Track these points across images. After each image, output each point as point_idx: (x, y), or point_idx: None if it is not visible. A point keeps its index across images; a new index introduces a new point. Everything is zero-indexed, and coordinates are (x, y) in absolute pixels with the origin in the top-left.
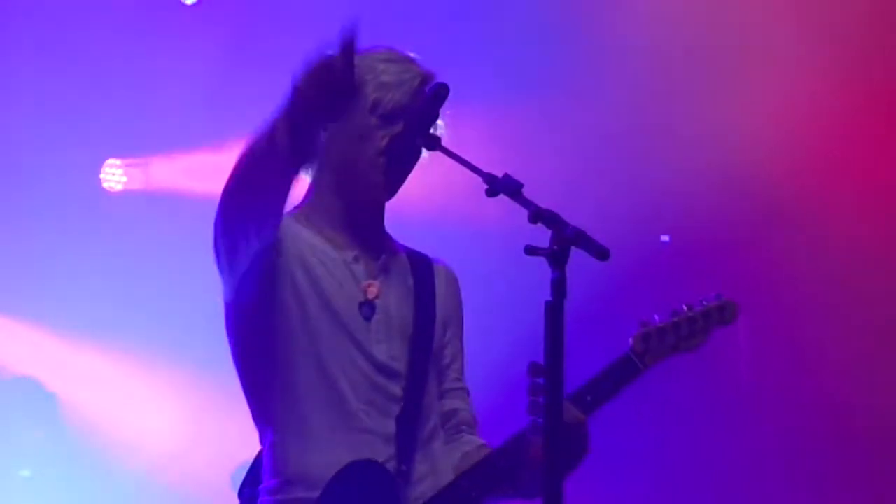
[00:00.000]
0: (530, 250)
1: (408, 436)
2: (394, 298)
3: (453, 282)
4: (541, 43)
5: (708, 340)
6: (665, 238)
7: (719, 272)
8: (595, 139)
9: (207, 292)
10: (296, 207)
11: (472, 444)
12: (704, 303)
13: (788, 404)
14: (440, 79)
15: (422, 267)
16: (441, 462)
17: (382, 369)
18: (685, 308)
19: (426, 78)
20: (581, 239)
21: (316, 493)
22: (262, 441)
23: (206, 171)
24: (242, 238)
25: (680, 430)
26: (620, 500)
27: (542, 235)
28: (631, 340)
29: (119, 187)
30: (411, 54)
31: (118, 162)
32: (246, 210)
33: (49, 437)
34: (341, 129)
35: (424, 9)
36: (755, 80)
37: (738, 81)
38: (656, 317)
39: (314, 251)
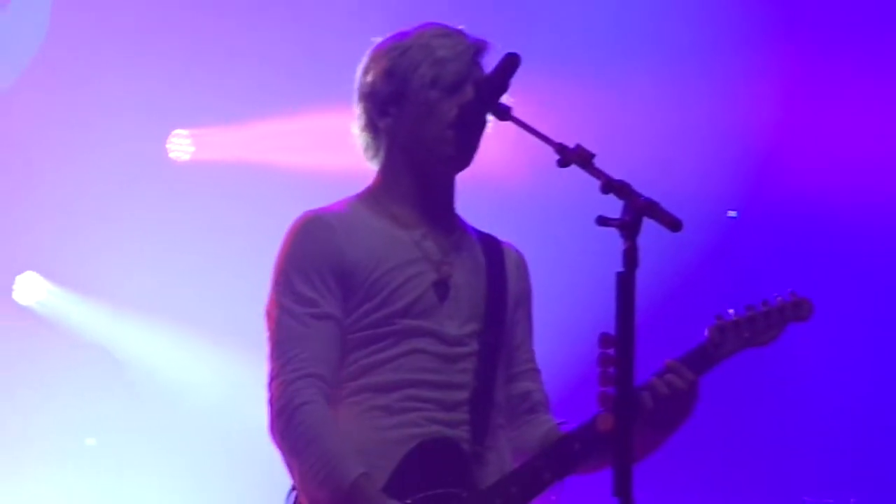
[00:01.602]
0: (602, 221)
1: (480, 419)
2: (466, 277)
3: (523, 263)
4: (613, 15)
5: (781, 336)
6: (732, 214)
7: (786, 249)
8: (664, 112)
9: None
10: (368, 188)
11: (549, 424)
12: (779, 299)
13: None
14: (491, 49)
15: (491, 247)
16: (505, 445)
17: (455, 345)
18: (760, 304)
19: (480, 47)
20: (653, 209)
21: (386, 473)
22: None
23: (274, 140)
24: None
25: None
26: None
27: (613, 206)
28: (707, 332)
29: (186, 157)
30: (460, 27)
31: (185, 132)
32: None
33: (115, 407)
34: (404, 112)
35: None
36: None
37: (812, 56)
38: (731, 311)
39: (380, 240)
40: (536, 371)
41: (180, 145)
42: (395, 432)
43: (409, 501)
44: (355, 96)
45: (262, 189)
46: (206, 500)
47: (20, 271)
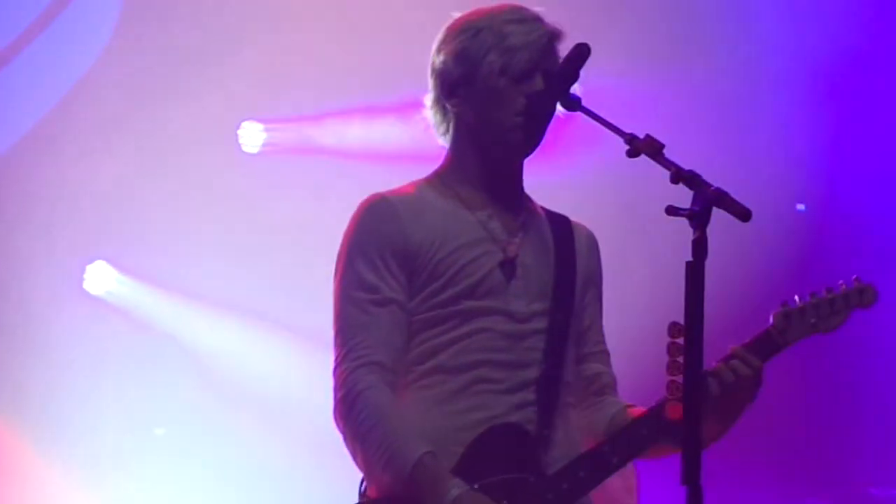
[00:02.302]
0: (672, 210)
1: (547, 399)
2: (533, 256)
3: (593, 243)
4: (680, 10)
5: (846, 322)
6: (801, 207)
7: (854, 244)
8: (732, 106)
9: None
10: (436, 170)
11: (617, 406)
12: (843, 286)
13: None
14: (567, 37)
15: (561, 227)
16: (574, 428)
17: (523, 322)
18: (825, 291)
19: (554, 35)
20: (723, 199)
21: (454, 459)
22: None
23: (345, 132)
24: None
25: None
26: None
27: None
28: (772, 317)
29: (256, 150)
30: (537, 10)
31: (256, 123)
32: None
33: (185, 397)
34: (472, 95)
35: None
36: None
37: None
38: (796, 297)
39: (445, 221)
40: (606, 353)
41: (251, 136)
42: (462, 418)
43: (476, 486)
44: (428, 71)
45: (333, 181)
46: (274, 491)
47: (91, 261)
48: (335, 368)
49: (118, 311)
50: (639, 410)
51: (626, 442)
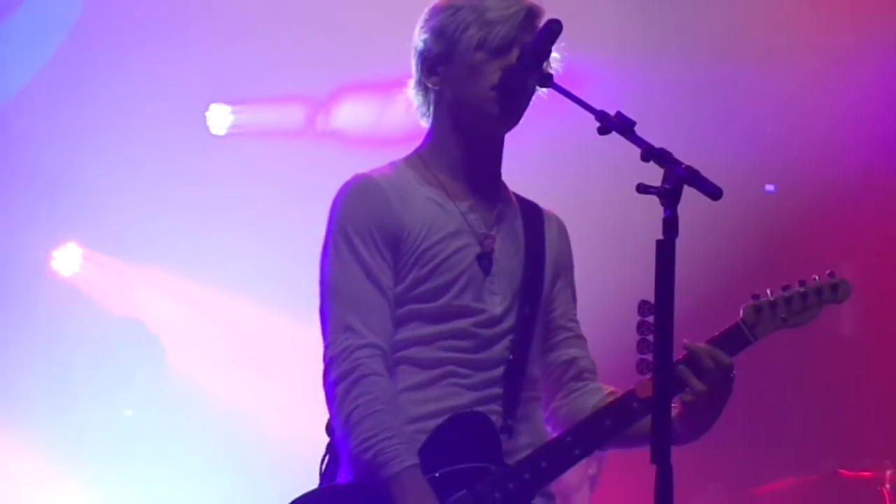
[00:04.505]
0: (642, 188)
1: (513, 391)
2: (506, 251)
3: (563, 232)
4: None
5: (819, 316)
6: (770, 188)
7: (822, 225)
8: (705, 86)
9: (315, 236)
10: (416, 150)
11: (601, 394)
12: (817, 279)
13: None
14: (546, 12)
15: (533, 216)
16: (541, 420)
17: (495, 325)
18: (797, 284)
19: (532, 10)
20: (694, 177)
21: (418, 442)
22: None
23: (314, 116)
24: None
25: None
26: None
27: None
28: (742, 311)
29: (223, 132)
30: None
31: (224, 106)
32: None
33: (152, 378)
34: (450, 72)
35: None
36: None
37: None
38: (768, 291)
39: (429, 208)
40: (581, 338)
41: (219, 119)
42: (427, 406)
43: (437, 474)
44: (412, 53)
45: (301, 163)
46: (242, 471)
47: (60, 243)
48: (332, 344)
49: (87, 293)
50: None
51: (589, 433)
